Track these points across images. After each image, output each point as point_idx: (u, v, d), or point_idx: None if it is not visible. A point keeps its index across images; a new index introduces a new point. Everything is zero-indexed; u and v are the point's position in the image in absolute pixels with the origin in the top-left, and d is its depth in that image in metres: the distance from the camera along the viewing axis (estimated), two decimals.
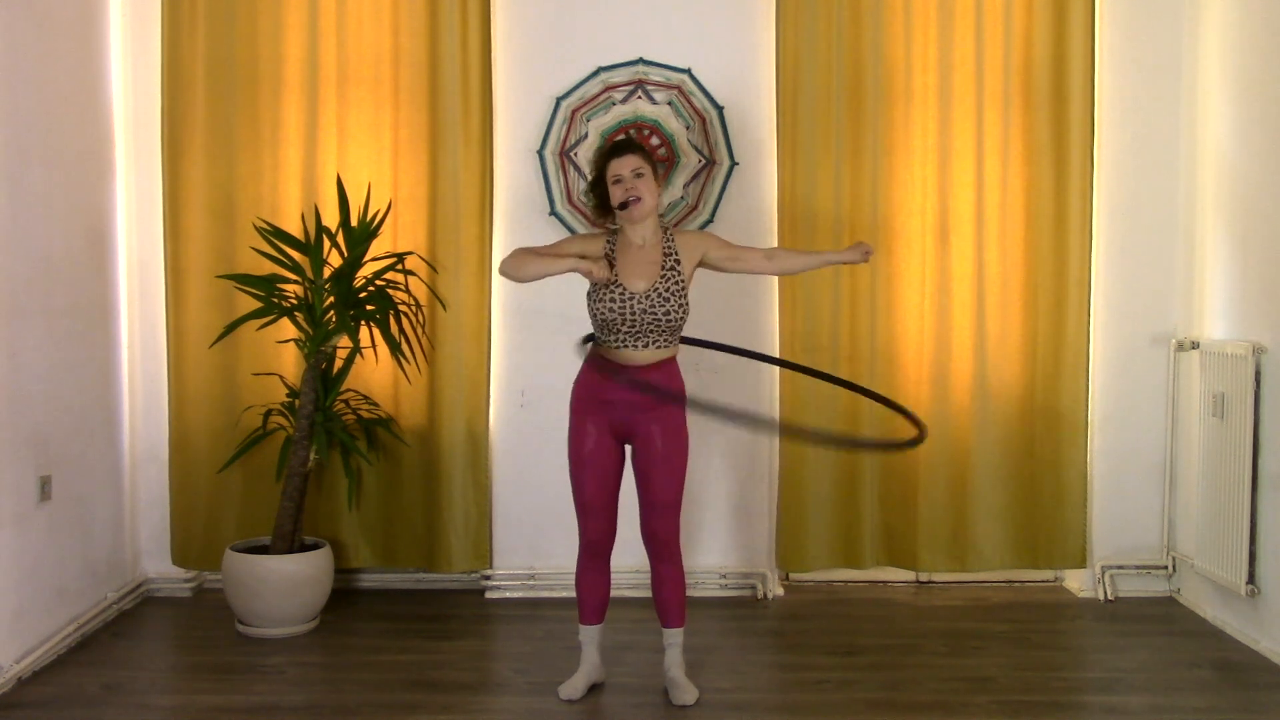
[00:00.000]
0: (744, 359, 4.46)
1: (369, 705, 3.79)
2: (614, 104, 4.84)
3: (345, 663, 4.21)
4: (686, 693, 3.79)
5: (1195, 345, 4.72)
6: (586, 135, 4.83)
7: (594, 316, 3.77)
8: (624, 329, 3.71)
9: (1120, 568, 4.96)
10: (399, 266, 4.60)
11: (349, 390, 4.77)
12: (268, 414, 4.70)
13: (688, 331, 3.93)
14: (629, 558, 4.31)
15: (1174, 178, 4.89)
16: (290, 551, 4.47)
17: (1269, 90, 4.28)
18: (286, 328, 4.62)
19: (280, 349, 4.81)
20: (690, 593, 4.27)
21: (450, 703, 3.82)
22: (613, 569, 3.92)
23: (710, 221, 4.84)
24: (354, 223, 4.58)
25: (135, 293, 4.88)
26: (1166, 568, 4.95)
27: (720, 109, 4.85)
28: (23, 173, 4.04)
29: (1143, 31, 4.87)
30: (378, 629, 4.58)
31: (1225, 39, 4.59)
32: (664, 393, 3.72)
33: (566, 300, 4.42)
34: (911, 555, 4.94)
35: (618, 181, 3.75)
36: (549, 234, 4.61)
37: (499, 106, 4.88)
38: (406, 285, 4.65)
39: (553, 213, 4.86)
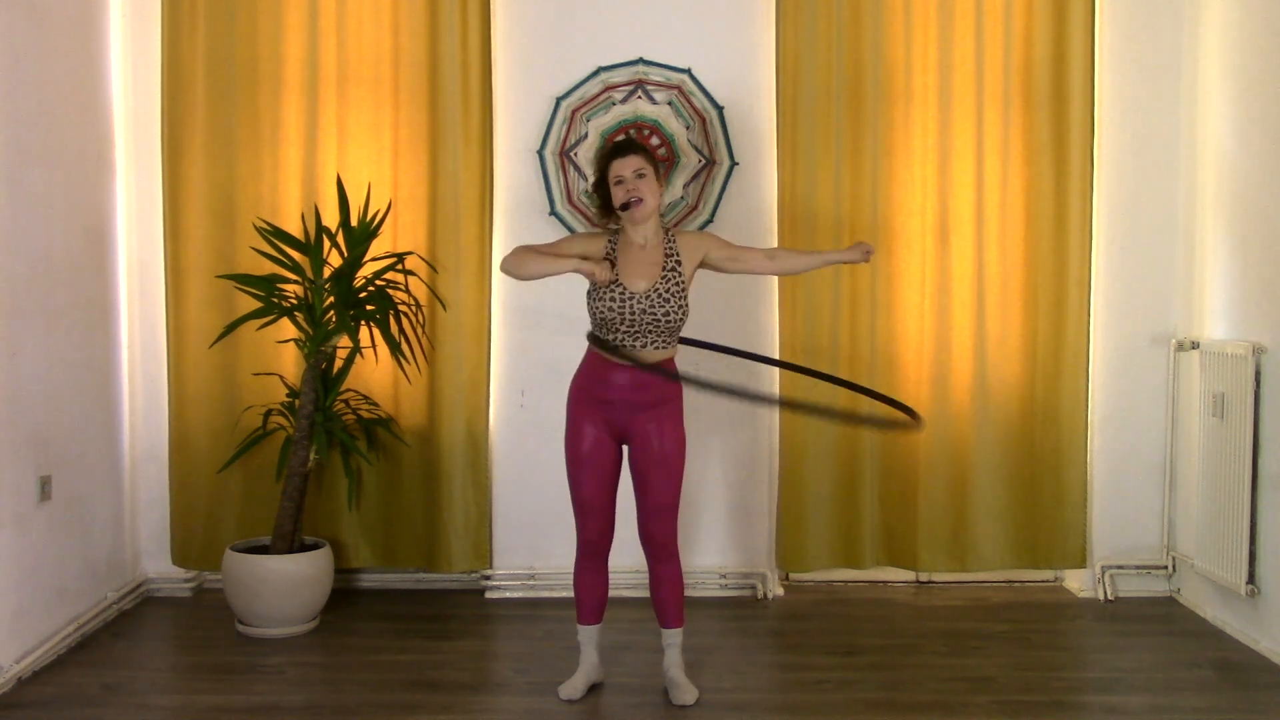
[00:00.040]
0: (739, 359, 4.44)
1: (369, 705, 3.79)
2: (614, 104, 4.84)
3: (345, 663, 4.21)
4: (686, 693, 3.79)
5: (1195, 345, 4.72)
6: (586, 135, 4.83)
7: (593, 316, 3.77)
8: (623, 328, 3.71)
9: (1120, 568, 4.96)
10: (399, 266, 4.60)
11: (349, 390, 4.77)
12: (268, 414, 4.70)
13: (686, 332, 3.93)
14: (627, 558, 4.31)
15: (1174, 178, 4.89)
16: (290, 551, 4.48)
17: (1269, 90, 4.28)
18: (286, 328, 4.62)
19: (280, 349, 4.81)
20: (690, 593, 4.27)
21: (450, 703, 3.82)
22: (611, 569, 3.92)
23: (710, 221, 4.84)
24: (354, 223, 4.58)
25: (135, 293, 4.88)
26: (1166, 568, 4.95)
27: (720, 109, 4.85)
28: (23, 173, 4.04)
29: (1143, 31, 4.87)
30: (378, 629, 4.58)
31: (1225, 39, 4.59)
32: (665, 372, 3.72)
33: (566, 300, 4.43)
34: (911, 555, 4.94)
35: (619, 182, 3.75)
36: (549, 234, 4.60)
37: (499, 106, 4.88)
38: (406, 285, 4.65)
39: (553, 213, 4.86)
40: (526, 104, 4.88)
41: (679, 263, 3.77)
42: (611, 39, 4.84)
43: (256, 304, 4.52)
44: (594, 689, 3.91)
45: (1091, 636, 4.57)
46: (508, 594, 4.94)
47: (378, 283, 4.53)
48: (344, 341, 4.55)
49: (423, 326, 4.73)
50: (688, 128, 4.84)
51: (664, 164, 4.76)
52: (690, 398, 3.87)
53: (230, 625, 4.53)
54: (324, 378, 4.58)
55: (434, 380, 4.86)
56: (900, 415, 3.91)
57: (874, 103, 4.82)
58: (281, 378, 4.78)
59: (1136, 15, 4.87)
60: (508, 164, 4.89)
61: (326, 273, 4.53)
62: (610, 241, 3.82)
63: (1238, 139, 4.50)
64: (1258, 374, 4.26)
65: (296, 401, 4.55)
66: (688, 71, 4.84)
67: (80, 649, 4.29)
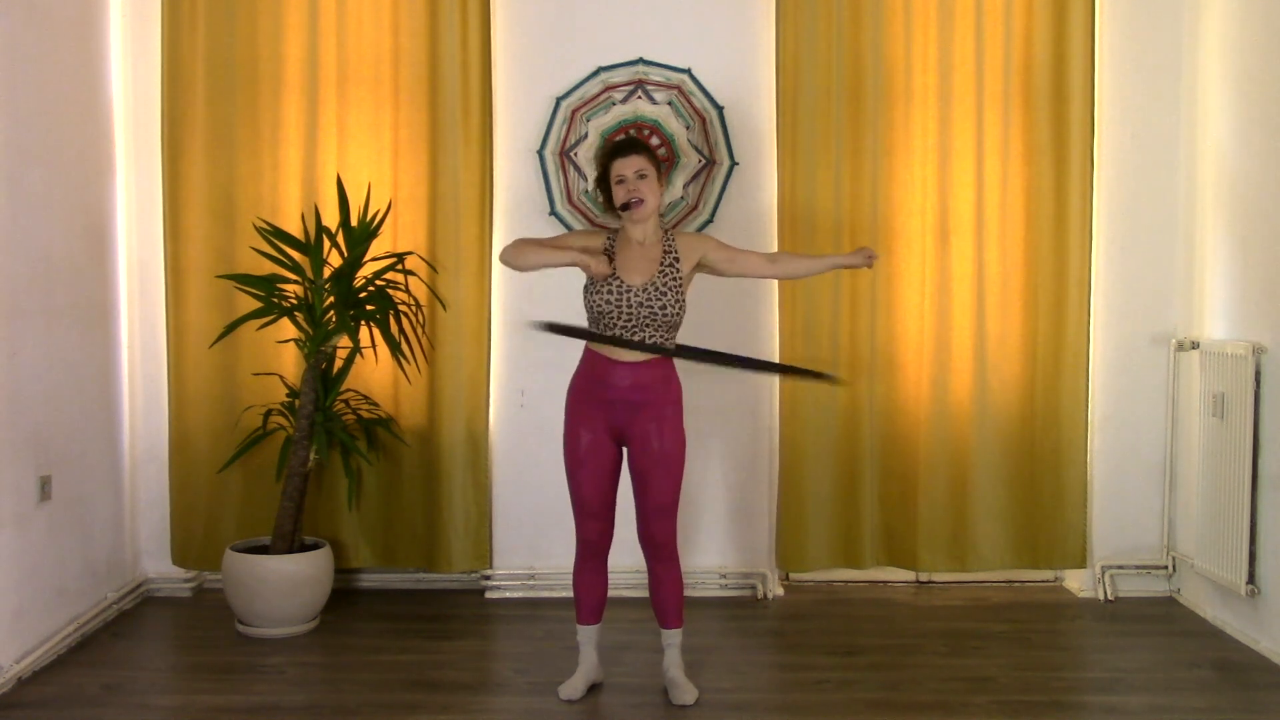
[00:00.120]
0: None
1: (369, 705, 3.79)
2: (614, 104, 4.84)
3: (345, 663, 4.21)
4: (686, 693, 3.79)
5: (1195, 345, 4.72)
6: (586, 135, 4.83)
7: (590, 310, 3.76)
8: (620, 323, 3.71)
9: (1120, 568, 4.96)
10: (399, 266, 4.61)
11: (349, 390, 4.77)
12: (268, 414, 4.70)
13: (685, 333, 3.92)
14: (627, 558, 4.30)
15: (1174, 178, 4.89)
16: (290, 551, 4.47)
17: (1269, 90, 4.28)
18: (286, 328, 4.62)
19: (280, 349, 4.81)
20: (690, 593, 4.27)
21: (450, 703, 3.82)
22: (610, 569, 3.92)
23: (710, 222, 4.84)
24: (354, 223, 4.58)
25: (135, 293, 4.88)
26: (1166, 568, 4.95)
27: (720, 109, 4.85)
28: (23, 173, 4.04)
29: (1143, 31, 4.87)
30: (378, 629, 4.58)
31: (1225, 39, 4.59)
32: (664, 350, 3.71)
33: (567, 300, 4.41)
34: (911, 555, 4.94)
35: (621, 182, 3.76)
36: (549, 234, 4.58)
37: (499, 106, 4.88)
38: (406, 285, 4.65)
39: (553, 213, 4.86)
40: (526, 104, 4.88)
41: (677, 259, 3.77)
42: (611, 39, 4.84)
43: (256, 304, 4.52)
44: (594, 689, 3.91)
45: (1091, 636, 4.57)
46: (508, 594, 4.94)
47: (378, 283, 4.53)
48: (344, 341, 4.55)
49: (423, 326, 4.73)
50: (688, 128, 4.84)
51: (664, 164, 4.76)
52: (691, 398, 3.87)
53: (230, 625, 4.53)
54: (324, 378, 4.58)
55: (434, 380, 4.86)
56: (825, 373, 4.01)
57: (874, 103, 4.82)
58: (281, 378, 4.78)
59: (1136, 15, 4.87)
60: (508, 164, 4.89)
61: (326, 273, 4.53)
62: (609, 239, 3.82)
63: (1238, 139, 4.50)
64: (1258, 374, 4.26)
65: (296, 401, 4.55)
66: (688, 71, 4.84)
67: (80, 649, 4.28)
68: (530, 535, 4.95)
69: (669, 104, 4.83)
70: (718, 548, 4.98)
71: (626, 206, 3.73)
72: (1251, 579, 4.28)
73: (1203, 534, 4.61)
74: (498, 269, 4.83)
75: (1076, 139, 4.81)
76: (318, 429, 4.53)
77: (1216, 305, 4.63)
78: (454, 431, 4.85)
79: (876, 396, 4.89)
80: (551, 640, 4.39)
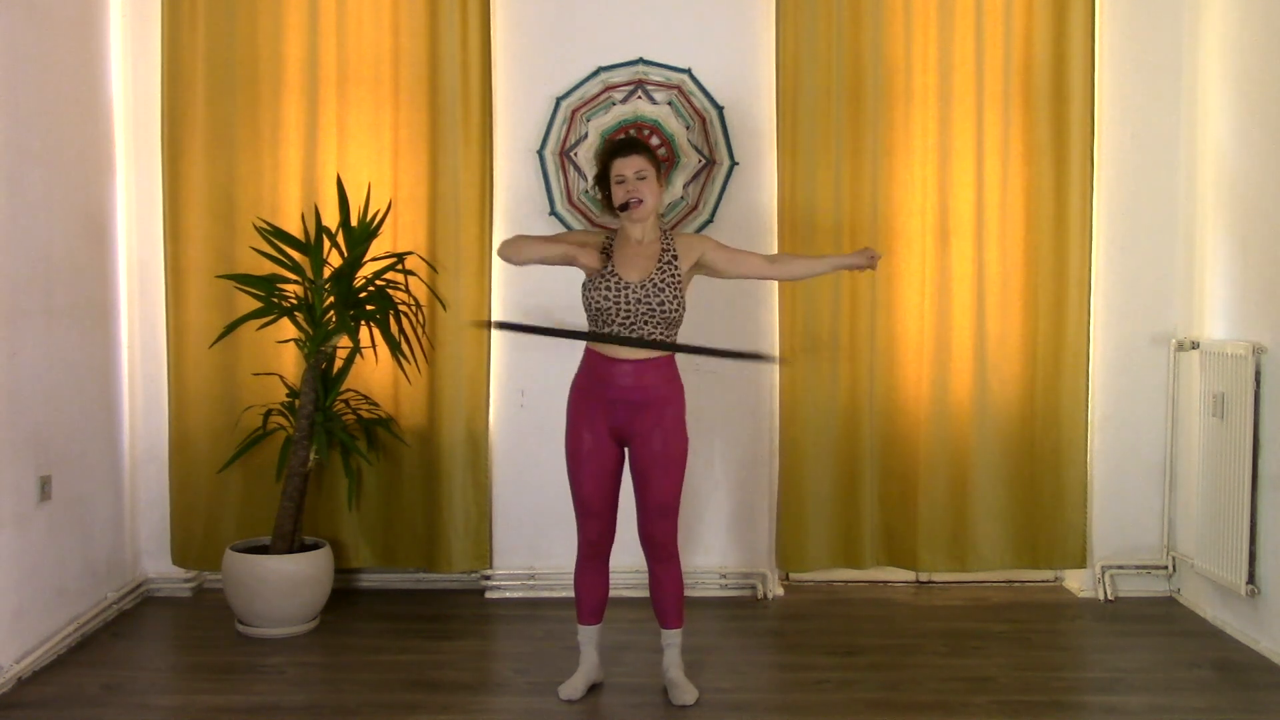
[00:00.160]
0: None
1: (369, 705, 3.79)
2: (614, 104, 4.84)
3: (345, 663, 4.21)
4: (686, 693, 3.79)
5: (1195, 345, 4.72)
6: (586, 135, 4.83)
7: (588, 307, 3.76)
8: (619, 319, 3.70)
9: (1120, 568, 4.96)
10: (399, 266, 4.61)
11: (349, 390, 4.77)
12: (268, 414, 4.70)
13: (685, 333, 3.92)
14: (628, 557, 4.30)
15: (1174, 178, 4.89)
16: (290, 551, 4.47)
17: (1269, 90, 4.28)
18: (286, 328, 4.62)
19: (280, 349, 4.80)
20: (690, 593, 4.27)
21: (450, 703, 3.82)
22: (611, 569, 3.92)
23: (710, 222, 4.84)
24: (354, 223, 4.58)
25: (135, 293, 4.88)
26: (1166, 568, 4.95)
27: (720, 109, 4.85)
28: (23, 172, 4.04)
29: (1143, 31, 4.87)
30: (378, 629, 4.58)
31: (1225, 39, 4.59)
32: (665, 346, 3.71)
33: (567, 300, 4.41)
34: (911, 555, 4.94)
35: (620, 182, 3.75)
36: (548, 234, 4.60)
37: (499, 106, 4.88)
38: (406, 285, 4.65)
39: (553, 213, 4.86)
40: (526, 104, 4.88)
41: (675, 257, 3.77)
42: (611, 39, 4.84)
43: (256, 304, 4.52)
44: (594, 689, 3.91)
45: (1091, 636, 4.57)
46: (508, 594, 4.94)
47: (378, 283, 4.53)
48: (344, 341, 4.55)
49: (423, 326, 4.73)
50: (688, 128, 4.84)
51: (664, 164, 4.76)
52: (692, 398, 3.87)
53: (230, 625, 4.53)
54: (324, 378, 4.58)
55: (434, 380, 4.86)
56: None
57: (874, 103, 4.82)
58: (281, 378, 4.78)
59: (1136, 15, 4.87)
60: (508, 164, 4.89)
61: (326, 273, 4.53)
62: (608, 238, 3.82)
63: (1238, 139, 4.50)
64: (1258, 374, 4.26)
65: (296, 401, 4.55)
66: (688, 71, 4.84)
67: (80, 649, 4.28)
68: (530, 535, 4.95)
69: (669, 104, 4.83)
70: (718, 548, 4.98)
71: (625, 207, 3.73)
72: (1251, 579, 4.28)
73: (1203, 534, 4.61)
74: (498, 269, 4.83)
75: (1076, 139, 4.81)
76: (318, 429, 4.53)
77: (1216, 305, 4.63)
78: (454, 431, 4.85)
79: (876, 397, 4.89)
80: (551, 640, 4.40)
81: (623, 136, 4.37)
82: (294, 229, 4.71)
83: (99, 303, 4.62)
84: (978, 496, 4.90)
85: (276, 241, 4.53)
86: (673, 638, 3.86)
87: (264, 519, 4.77)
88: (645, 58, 4.84)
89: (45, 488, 4.16)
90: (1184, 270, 4.87)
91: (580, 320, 3.88)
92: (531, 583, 4.95)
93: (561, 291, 4.47)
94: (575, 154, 4.84)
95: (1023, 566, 5.00)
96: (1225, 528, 4.43)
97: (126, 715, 3.73)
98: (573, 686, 3.85)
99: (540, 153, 4.85)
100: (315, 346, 4.47)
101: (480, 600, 4.92)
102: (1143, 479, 4.96)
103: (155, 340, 4.88)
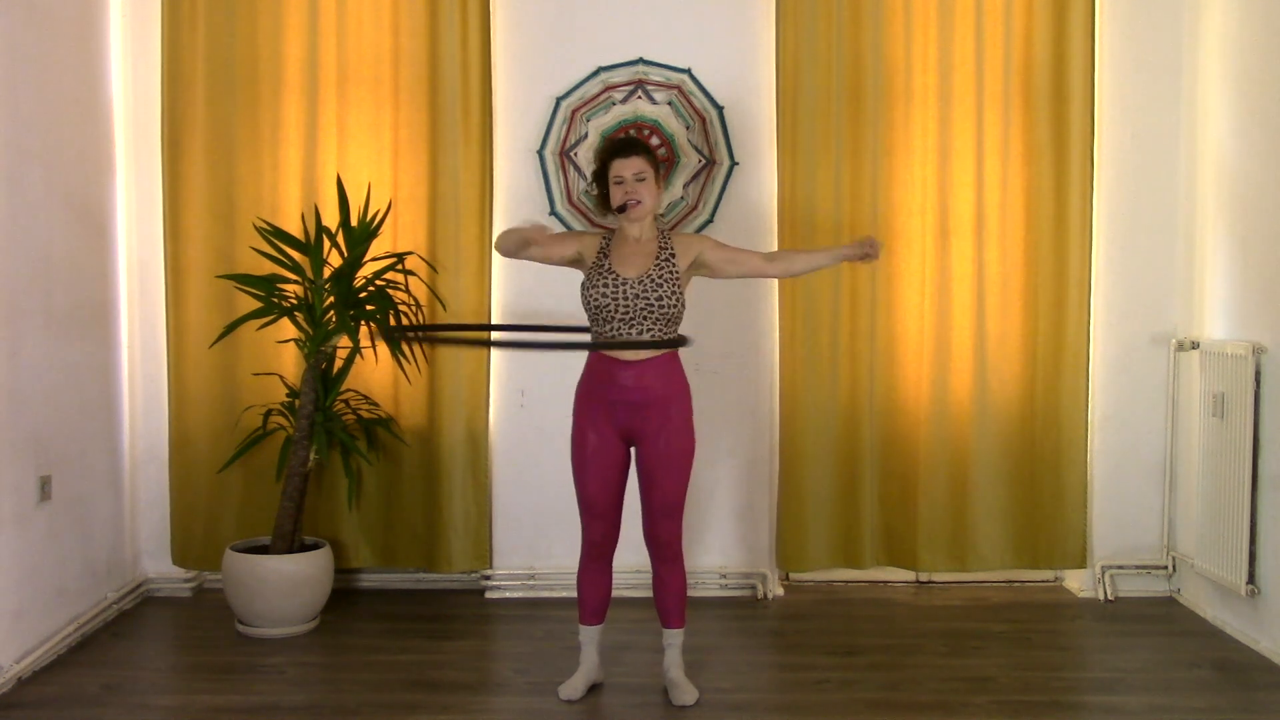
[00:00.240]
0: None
1: (369, 705, 3.79)
2: (614, 104, 4.84)
3: (345, 663, 4.21)
4: (686, 693, 3.79)
5: (1195, 345, 4.72)
6: (586, 135, 4.83)
7: (587, 305, 3.75)
8: (618, 317, 3.69)
9: (1120, 568, 4.96)
10: (399, 266, 4.60)
11: (349, 390, 4.77)
12: (268, 414, 4.70)
13: (685, 333, 3.90)
14: (629, 557, 4.30)
15: (1174, 178, 4.89)
16: (290, 551, 4.47)
17: (1269, 90, 4.28)
18: (286, 328, 4.62)
19: (280, 349, 4.80)
20: (690, 593, 4.27)
21: (450, 703, 3.82)
22: (614, 569, 3.92)
23: (710, 222, 4.84)
24: (354, 223, 4.58)
25: (135, 293, 4.88)
26: (1166, 568, 4.95)
27: (720, 109, 4.85)
28: (23, 172, 4.04)
29: (1143, 31, 4.87)
30: (378, 629, 4.58)
31: (1225, 39, 4.59)
32: (666, 344, 3.71)
33: (567, 299, 4.42)
34: (911, 555, 4.94)
35: (619, 182, 3.75)
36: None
37: (499, 106, 4.88)
38: (406, 285, 4.65)
39: (553, 213, 4.86)
40: (526, 104, 4.88)
41: (673, 255, 3.76)
42: (611, 39, 4.84)
43: (256, 304, 4.52)
44: (594, 689, 3.91)
45: (1091, 636, 4.57)
46: (508, 594, 4.94)
47: (378, 283, 4.53)
48: (344, 341, 4.55)
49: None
50: (688, 128, 4.84)
51: (664, 164, 4.76)
52: (694, 398, 3.86)
53: (230, 625, 4.53)
54: (324, 378, 4.58)
55: (434, 380, 4.86)
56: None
57: (874, 103, 4.82)
58: (281, 378, 4.78)
59: (1136, 15, 4.86)
60: (508, 164, 4.89)
61: (326, 273, 4.53)
62: (605, 238, 3.82)
63: (1238, 139, 4.50)
64: (1258, 374, 4.26)
65: (296, 401, 4.55)
66: (688, 71, 4.84)
67: (80, 649, 4.28)
68: (530, 535, 4.95)
69: (669, 104, 4.83)
70: (718, 547, 4.98)
71: (623, 208, 3.73)
72: (1251, 579, 4.28)
73: (1203, 534, 4.61)
74: (498, 269, 4.83)
75: (1076, 139, 4.81)
76: (318, 429, 4.53)
77: (1216, 305, 4.63)
78: (454, 431, 4.84)
79: (876, 397, 4.89)
80: (551, 640, 4.40)
81: (623, 136, 4.37)
82: (294, 229, 4.71)
83: (99, 302, 4.62)
84: (978, 496, 4.90)
85: (276, 241, 4.53)
86: (674, 638, 3.86)
87: (264, 519, 4.77)
88: (645, 58, 4.84)
89: (45, 488, 4.16)
90: (1184, 270, 4.87)
91: (579, 320, 3.89)
92: (531, 583, 4.95)
93: (562, 292, 4.47)
94: (575, 154, 4.84)
95: (1023, 566, 5.00)
96: (1225, 528, 4.43)
97: (126, 715, 3.73)
98: (573, 686, 3.85)
99: (540, 153, 4.85)
100: (315, 346, 4.47)
101: (480, 600, 4.92)
102: (1143, 479, 4.96)
103: (155, 340, 4.88)
